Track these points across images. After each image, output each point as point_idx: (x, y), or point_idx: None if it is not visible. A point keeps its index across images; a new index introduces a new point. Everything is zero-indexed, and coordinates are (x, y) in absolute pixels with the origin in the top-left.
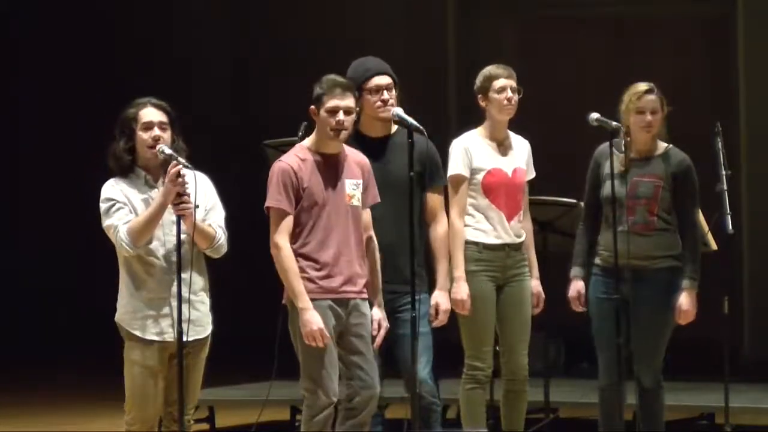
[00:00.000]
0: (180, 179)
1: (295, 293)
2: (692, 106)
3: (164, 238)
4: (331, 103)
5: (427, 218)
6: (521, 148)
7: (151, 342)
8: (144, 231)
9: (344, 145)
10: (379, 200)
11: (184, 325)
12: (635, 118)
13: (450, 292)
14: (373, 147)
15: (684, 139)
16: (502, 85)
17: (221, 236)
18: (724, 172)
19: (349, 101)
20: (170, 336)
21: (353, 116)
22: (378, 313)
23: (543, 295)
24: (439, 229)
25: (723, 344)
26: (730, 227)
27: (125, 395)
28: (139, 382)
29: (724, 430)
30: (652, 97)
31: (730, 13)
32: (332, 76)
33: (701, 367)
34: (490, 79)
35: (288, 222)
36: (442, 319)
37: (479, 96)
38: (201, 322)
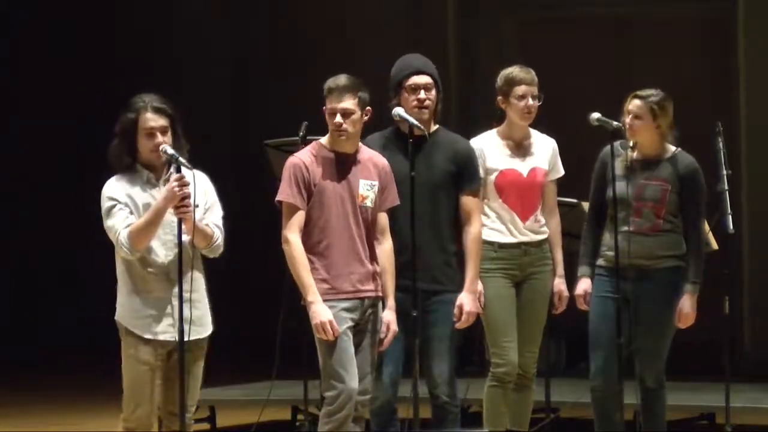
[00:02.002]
0: (184, 188)
1: (304, 286)
2: (692, 106)
3: (164, 237)
4: (329, 106)
5: (461, 219)
6: (544, 148)
7: (149, 340)
8: (144, 236)
9: (363, 146)
10: (398, 203)
11: (185, 325)
12: (625, 118)
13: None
14: (413, 145)
15: (684, 139)
16: (523, 92)
17: (219, 236)
18: (724, 172)
19: (347, 103)
20: (169, 335)
21: (356, 116)
22: (388, 315)
23: (566, 293)
24: (471, 230)
25: (723, 344)
26: (731, 227)
27: (123, 393)
28: (137, 379)
29: (724, 430)
30: (637, 102)
31: (730, 13)
32: (335, 78)
33: (701, 367)
34: (512, 83)
35: (299, 217)
36: (464, 320)
37: (499, 97)
38: (201, 321)
